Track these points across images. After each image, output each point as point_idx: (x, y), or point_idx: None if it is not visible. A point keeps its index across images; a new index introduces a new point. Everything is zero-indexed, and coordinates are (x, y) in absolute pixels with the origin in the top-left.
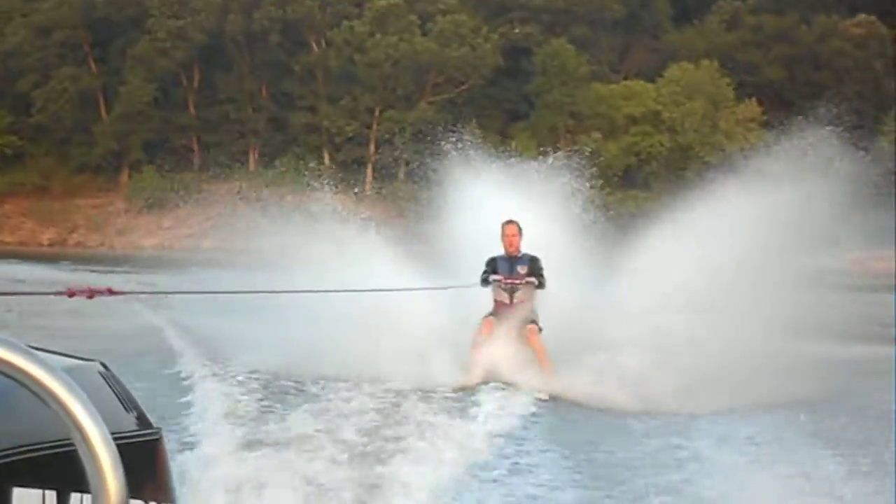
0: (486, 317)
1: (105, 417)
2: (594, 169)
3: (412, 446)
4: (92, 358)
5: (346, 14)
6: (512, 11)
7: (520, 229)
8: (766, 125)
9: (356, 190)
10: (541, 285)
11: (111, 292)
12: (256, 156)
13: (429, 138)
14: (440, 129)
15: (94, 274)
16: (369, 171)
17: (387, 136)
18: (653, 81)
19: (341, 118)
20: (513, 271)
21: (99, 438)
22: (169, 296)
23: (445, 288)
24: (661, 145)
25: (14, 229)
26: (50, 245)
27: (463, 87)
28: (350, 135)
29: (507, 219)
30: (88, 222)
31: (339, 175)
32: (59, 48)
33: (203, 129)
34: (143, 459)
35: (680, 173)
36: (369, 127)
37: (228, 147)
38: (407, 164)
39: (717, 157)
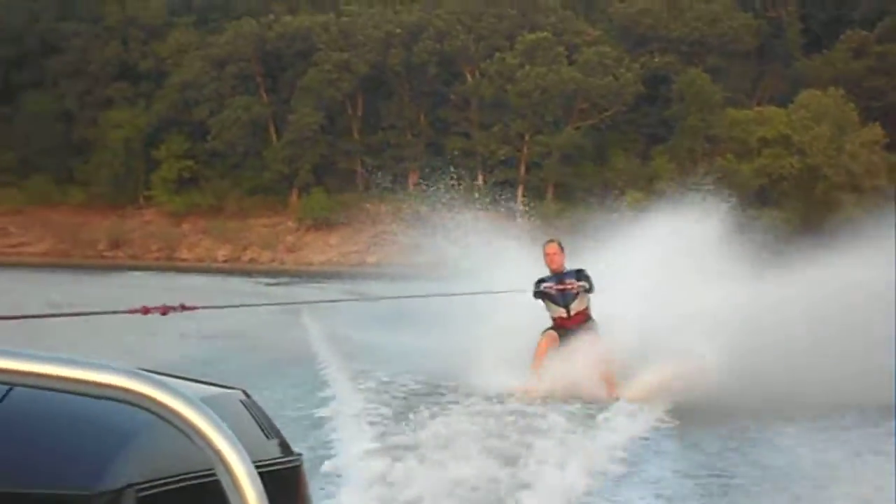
0: (546, 330)
1: (247, 446)
2: (730, 189)
3: (543, 452)
4: (233, 386)
5: (498, 47)
6: (652, 43)
7: (561, 247)
8: (889, 147)
9: (507, 208)
10: (590, 289)
11: (184, 308)
12: (416, 178)
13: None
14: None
15: (273, 287)
16: (520, 191)
17: (536, 158)
18: (783, 107)
19: (494, 143)
20: (562, 284)
21: (243, 470)
22: (331, 306)
23: (501, 292)
24: (792, 167)
25: (192, 247)
26: (225, 261)
27: (607, 114)
28: (502, 158)
29: (548, 238)
30: (260, 240)
31: (492, 195)
32: (232, 79)
33: (366, 153)
34: (286, 487)
35: (808, 192)
36: (520, 150)
37: (390, 169)
38: (555, 184)
39: (843, 178)
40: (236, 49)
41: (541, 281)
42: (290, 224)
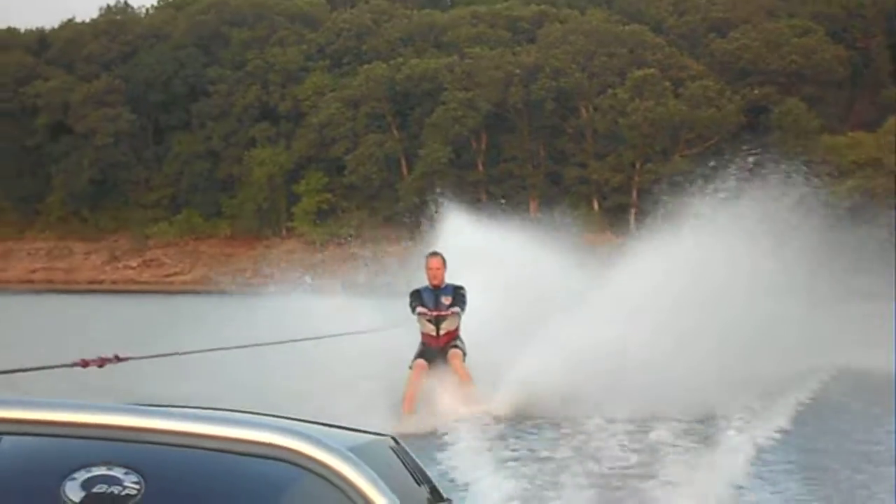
0: (416, 359)
1: (399, 495)
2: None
3: (663, 470)
4: (382, 433)
5: (609, 83)
6: (751, 75)
7: (444, 262)
8: None
9: (621, 231)
10: (462, 310)
11: (118, 359)
12: (536, 205)
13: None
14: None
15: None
16: (632, 215)
17: (646, 185)
18: (873, 132)
19: (607, 171)
20: (437, 302)
21: None
22: None
23: (375, 331)
24: (882, 187)
25: (332, 273)
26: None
27: (711, 142)
28: (615, 185)
29: (432, 251)
30: (395, 265)
31: (606, 219)
32: (366, 118)
33: (490, 183)
34: None
35: None
36: (632, 178)
37: (512, 198)
38: (664, 208)
39: None
40: (369, 90)
41: (416, 292)
42: (422, 249)
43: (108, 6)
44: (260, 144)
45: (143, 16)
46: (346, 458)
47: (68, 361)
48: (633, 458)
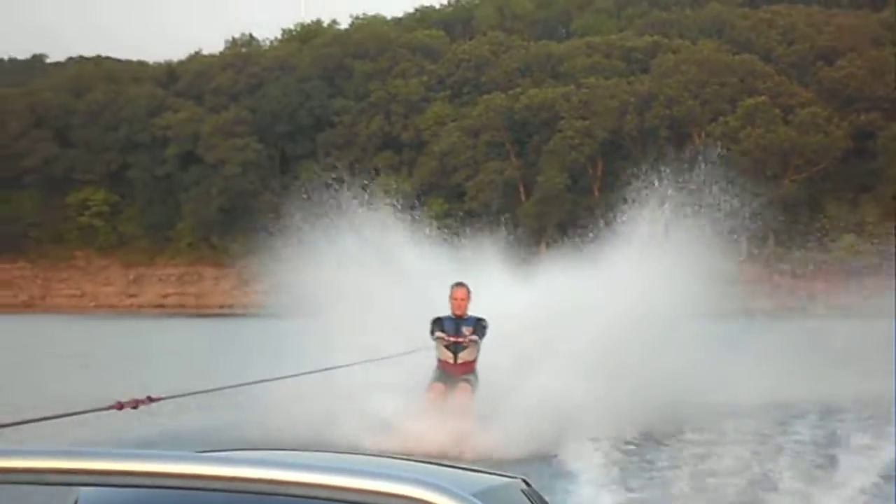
0: (433, 381)
1: None
2: None
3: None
4: (513, 475)
5: (721, 111)
6: (857, 102)
7: (469, 293)
8: None
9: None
10: (480, 337)
11: (150, 399)
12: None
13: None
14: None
15: None
16: (744, 239)
17: (758, 209)
18: None
19: (721, 196)
20: (458, 332)
21: None
22: None
23: (392, 357)
24: None
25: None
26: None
27: (820, 167)
28: (727, 211)
29: (458, 281)
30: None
31: (719, 242)
32: (485, 147)
33: (606, 208)
34: None
35: None
36: (743, 203)
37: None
38: (775, 233)
39: None
40: (488, 120)
41: (438, 320)
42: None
43: (234, 39)
44: (383, 173)
45: (267, 48)
46: None
47: (118, 400)
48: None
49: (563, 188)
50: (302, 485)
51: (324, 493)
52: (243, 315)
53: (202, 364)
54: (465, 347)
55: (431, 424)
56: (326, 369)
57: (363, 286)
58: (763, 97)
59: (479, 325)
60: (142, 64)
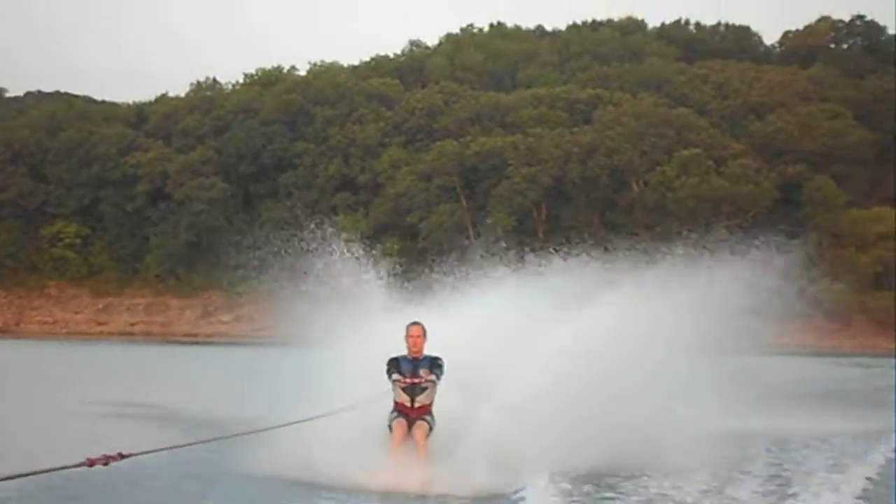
0: (395, 419)
1: None
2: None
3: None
4: None
5: (658, 161)
6: (786, 154)
7: (424, 332)
8: None
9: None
10: (438, 377)
11: (122, 456)
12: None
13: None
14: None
15: None
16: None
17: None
18: None
19: (658, 240)
20: (415, 373)
21: None
22: None
23: (353, 408)
24: None
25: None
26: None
27: (749, 214)
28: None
29: (413, 320)
30: None
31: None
32: (437, 190)
33: (550, 249)
34: None
35: None
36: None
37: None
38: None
39: None
40: (440, 165)
41: (395, 360)
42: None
43: (199, 82)
44: (341, 212)
45: (230, 91)
46: None
47: (81, 459)
48: None
49: (510, 230)
50: None
51: None
52: (207, 343)
53: (168, 384)
54: (423, 389)
55: (397, 470)
56: (289, 423)
57: (324, 319)
58: (697, 149)
59: (436, 364)
60: (113, 105)
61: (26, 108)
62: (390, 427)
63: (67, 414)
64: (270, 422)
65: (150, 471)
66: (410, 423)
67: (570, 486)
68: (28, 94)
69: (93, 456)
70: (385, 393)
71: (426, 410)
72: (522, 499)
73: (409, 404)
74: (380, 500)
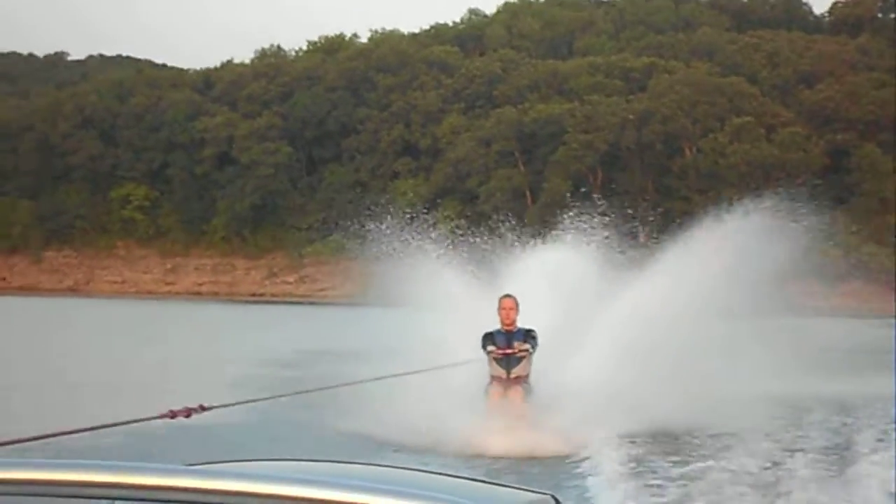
0: (491, 386)
1: None
2: None
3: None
4: (543, 491)
5: (711, 128)
6: (834, 123)
7: (517, 304)
8: None
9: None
10: (533, 347)
11: (203, 409)
12: (646, 233)
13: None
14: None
15: None
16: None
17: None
18: None
19: (710, 205)
20: (510, 345)
21: None
22: None
23: (449, 366)
24: None
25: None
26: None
27: (799, 181)
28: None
29: (505, 293)
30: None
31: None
32: (496, 155)
33: (605, 213)
34: None
35: None
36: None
37: (625, 227)
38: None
39: None
40: (499, 131)
41: (489, 335)
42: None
43: (263, 49)
44: (402, 177)
45: (293, 59)
46: None
47: (168, 409)
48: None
49: (566, 195)
50: (308, 500)
51: None
52: (272, 303)
53: (248, 344)
54: (518, 361)
55: (491, 426)
56: (382, 378)
57: (398, 279)
58: (749, 117)
59: (530, 336)
60: (181, 72)
61: (89, 72)
62: (487, 392)
63: (144, 369)
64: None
65: (233, 426)
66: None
67: (632, 451)
68: (90, 57)
69: (175, 408)
70: (475, 359)
71: (523, 381)
72: (584, 460)
73: (504, 376)
74: (465, 461)
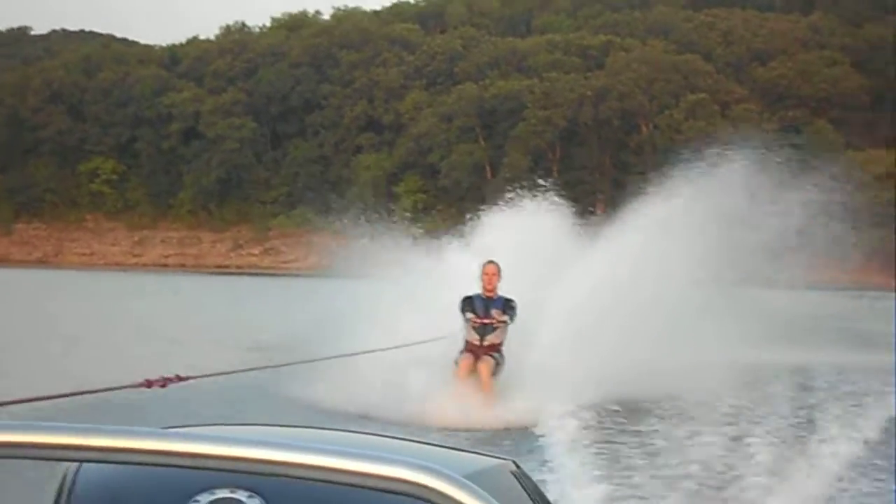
0: (462, 355)
1: None
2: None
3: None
4: (504, 456)
5: (667, 105)
6: (787, 99)
7: (499, 270)
8: None
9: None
10: (511, 321)
11: (180, 378)
12: (602, 207)
13: None
14: None
15: None
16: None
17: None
18: (891, 149)
19: (665, 180)
20: (487, 313)
21: None
22: None
23: (424, 342)
24: None
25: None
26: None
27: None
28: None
29: (488, 259)
30: None
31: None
32: (457, 131)
33: (563, 187)
34: None
35: None
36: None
37: (583, 201)
38: None
39: None
40: (460, 107)
41: (469, 299)
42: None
43: (228, 26)
44: (366, 151)
45: (258, 35)
46: (465, 488)
47: (137, 380)
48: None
49: (526, 169)
50: (282, 464)
51: (305, 474)
52: (238, 274)
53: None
54: (493, 329)
55: (456, 397)
56: (352, 354)
57: (352, 251)
58: (704, 94)
59: (509, 307)
60: (147, 48)
61: (52, 47)
62: (456, 363)
63: (124, 339)
64: (322, 352)
65: (205, 394)
66: (477, 360)
67: (594, 419)
68: (53, 32)
69: (151, 377)
70: (452, 336)
71: (495, 349)
72: (543, 429)
73: (478, 342)
74: (436, 433)
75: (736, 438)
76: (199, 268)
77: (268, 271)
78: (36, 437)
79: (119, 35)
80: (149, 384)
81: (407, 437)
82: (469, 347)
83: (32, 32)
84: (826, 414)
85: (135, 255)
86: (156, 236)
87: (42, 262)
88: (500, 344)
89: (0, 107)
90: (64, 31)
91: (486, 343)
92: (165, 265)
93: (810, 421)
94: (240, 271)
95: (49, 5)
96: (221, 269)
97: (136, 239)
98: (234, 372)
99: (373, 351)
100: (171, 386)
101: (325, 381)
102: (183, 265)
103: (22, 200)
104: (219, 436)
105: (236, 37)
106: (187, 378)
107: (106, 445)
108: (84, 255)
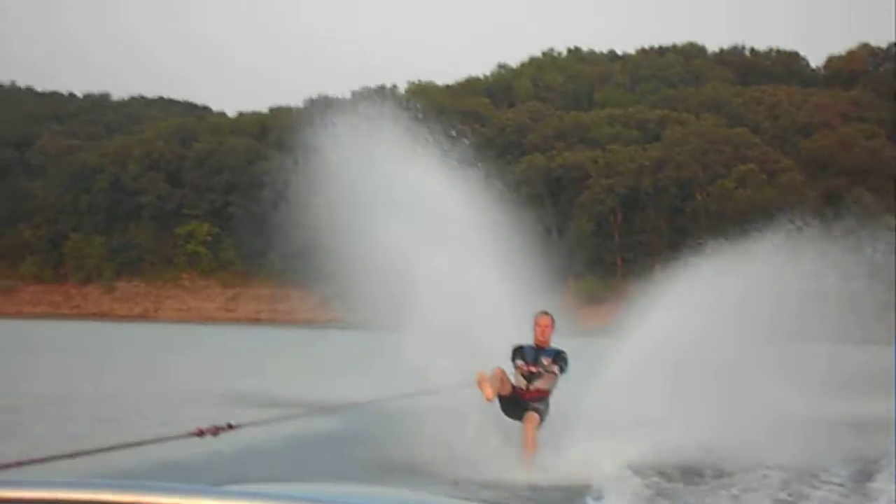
0: (498, 373)
1: None
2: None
3: None
4: None
5: (719, 174)
6: (829, 169)
7: (553, 322)
8: None
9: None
10: (562, 370)
11: (230, 427)
12: (660, 268)
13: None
14: None
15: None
16: None
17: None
18: None
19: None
20: (537, 361)
21: None
22: None
23: (450, 388)
24: None
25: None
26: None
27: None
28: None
29: (542, 310)
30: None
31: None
32: (525, 198)
33: (624, 250)
34: None
35: None
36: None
37: (640, 262)
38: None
39: None
40: (529, 176)
41: (519, 348)
42: (570, 300)
43: (311, 99)
44: None
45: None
46: None
47: (192, 428)
48: None
49: (590, 233)
50: None
51: None
52: (326, 327)
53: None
54: (540, 376)
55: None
56: (386, 398)
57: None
58: (752, 164)
59: (560, 357)
60: (243, 116)
61: (133, 114)
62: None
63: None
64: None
65: (258, 443)
66: (523, 408)
67: (656, 481)
68: (133, 98)
69: (203, 426)
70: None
71: (542, 395)
72: (597, 489)
73: (524, 387)
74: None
75: None
76: (289, 321)
77: (350, 324)
78: (78, 494)
79: (193, 101)
80: (200, 433)
81: (446, 496)
82: (516, 391)
83: (113, 98)
84: None
85: (228, 311)
86: (248, 293)
87: (142, 317)
88: (547, 392)
89: (104, 174)
90: (142, 97)
91: (532, 388)
92: (258, 319)
93: None
94: (326, 325)
95: (125, 73)
96: (310, 323)
97: (229, 296)
98: (285, 419)
99: (402, 396)
100: (223, 435)
101: (380, 434)
102: (274, 319)
103: (123, 260)
104: (270, 493)
105: (320, 108)
106: (238, 426)
107: (113, 500)
108: (181, 310)
